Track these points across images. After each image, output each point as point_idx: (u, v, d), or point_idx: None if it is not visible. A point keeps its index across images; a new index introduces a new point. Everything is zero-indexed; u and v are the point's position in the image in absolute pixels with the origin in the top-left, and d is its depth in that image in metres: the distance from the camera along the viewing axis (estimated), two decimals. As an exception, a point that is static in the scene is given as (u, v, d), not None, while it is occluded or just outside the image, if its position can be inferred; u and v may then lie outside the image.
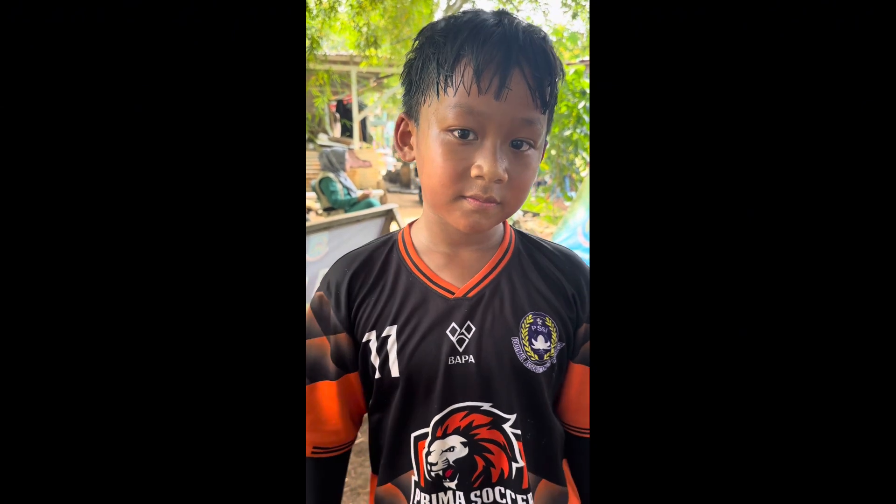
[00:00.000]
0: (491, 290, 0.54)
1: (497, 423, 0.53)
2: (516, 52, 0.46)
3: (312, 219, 3.94)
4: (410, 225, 0.60)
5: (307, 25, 4.90)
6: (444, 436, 0.53)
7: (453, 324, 0.53)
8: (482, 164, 0.46)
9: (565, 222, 5.04)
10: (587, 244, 4.34)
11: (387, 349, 0.53)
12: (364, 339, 0.54)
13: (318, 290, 0.58)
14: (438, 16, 7.57)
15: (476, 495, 0.54)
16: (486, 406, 0.53)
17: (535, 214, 6.70)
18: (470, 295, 0.54)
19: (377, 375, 0.54)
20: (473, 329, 0.53)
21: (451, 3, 7.63)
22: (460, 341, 0.52)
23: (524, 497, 0.54)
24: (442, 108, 0.47)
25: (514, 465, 0.54)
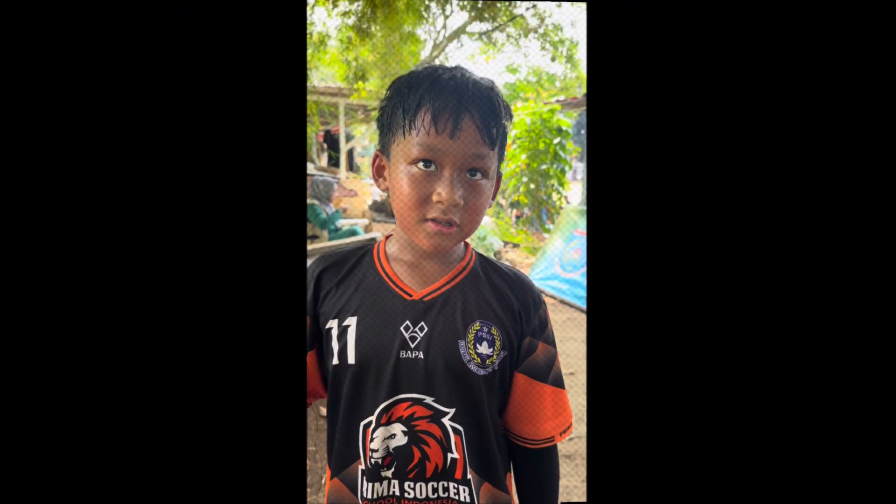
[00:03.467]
0: (444, 297, 0.62)
1: (437, 416, 0.59)
2: (466, 99, 0.55)
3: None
4: (387, 237, 0.68)
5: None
6: (388, 423, 0.59)
7: (407, 321, 0.60)
8: (441, 191, 0.55)
9: (544, 253, 5.19)
10: (564, 274, 4.49)
11: (346, 337, 0.59)
12: (327, 327, 0.61)
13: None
14: (426, 53, 7.86)
15: (410, 486, 0.59)
16: (428, 399, 0.59)
17: (516, 245, 6.85)
18: (426, 299, 0.61)
19: (335, 361, 0.60)
20: (426, 329, 0.59)
21: (437, 42, 7.95)
22: (412, 338, 0.59)
23: (463, 487, 0.60)
24: (407, 145, 0.56)
25: (450, 456, 0.60)
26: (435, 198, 0.56)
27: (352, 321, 0.59)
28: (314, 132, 8.87)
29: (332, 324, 0.60)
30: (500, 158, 0.61)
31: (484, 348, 0.59)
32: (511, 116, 0.61)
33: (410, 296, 0.61)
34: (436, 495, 0.60)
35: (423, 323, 0.60)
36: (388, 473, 0.60)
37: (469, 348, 0.59)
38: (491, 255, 6.10)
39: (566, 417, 0.65)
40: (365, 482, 0.60)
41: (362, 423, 0.60)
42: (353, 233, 3.94)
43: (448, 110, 0.55)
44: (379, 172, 0.63)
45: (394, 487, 0.60)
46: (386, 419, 0.59)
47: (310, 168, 9.00)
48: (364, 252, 0.67)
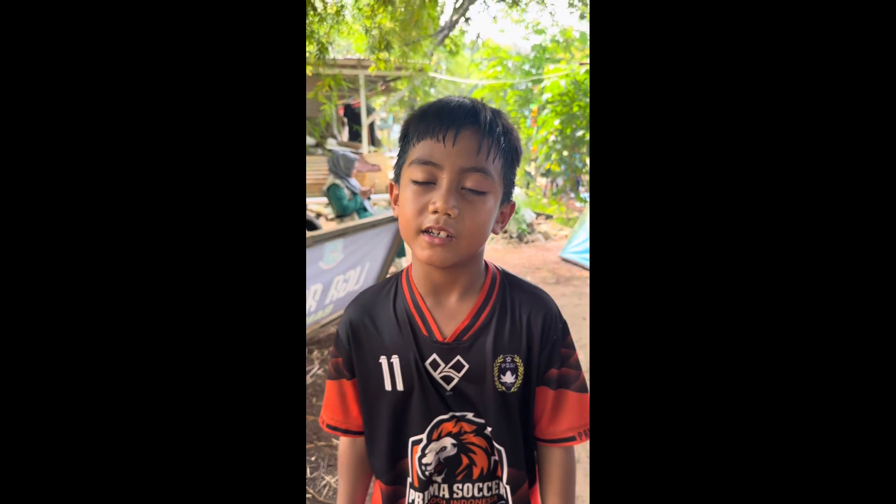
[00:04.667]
0: (473, 339, 0.69)
1: (480, 429, 0.69)
2: (465, 116, 0.62)
3: (325, 225, 3.88)
4: (405, 275, 0.74)
5: (315, 31, 4.85)
6: (439, 438, 0.69)
7: (442, 362, 0.68)
8: (436, 200, 0.60)
9: (581, 224, 4.96)
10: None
11: (394, 370, 0.69)
12: (378, 361, 0.70)
13: (341, 327, 0.74)
14: (445, 18, 7.52)
15: (458, 488, 0.70)
16: (469, 415, 0.69)
17: (549, 217, 6.61)
18: (452, 340, 0.69)
19: (388, 388, 0.70)
20: (457, 365, 0.68)
21: (456, 6, 7.58)
22: (447, 378, 0.68)
23: (503, 483, 0.70)
24: (410, 168, 0.63)
25: (493, 459, 0.70)
26: (431, 207, 0.60)
27: (395, 359, 0.69)
28: (334, 107, 8.67)
29: (383, 360, 0.70)
30: (506, 189, 0.67)
31: (507, 377, 0.68)
32: (518, 154, 0.67)
33: (441, 338, 0.68)
34: (481, 494, 0.70)
35: (454, 361, 0.68)
36: (439, 479, 0.70)
37: (494, 379, 0.67)
38: (523, 228, 5.96)
39: (588, 418, 0.71)
40: (413, 492, 0.70)
41: (411, 440, 0.70)
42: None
43: (450, 123, 0.61)
44: (395, 201, 0.69)
45: (443, 490, 0.70)
46: (437, 435, 0.69)
47: (332, 143, 8.88)
48: (393, 284, 0.74)
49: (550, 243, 5.81)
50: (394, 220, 3.08)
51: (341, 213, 3.81)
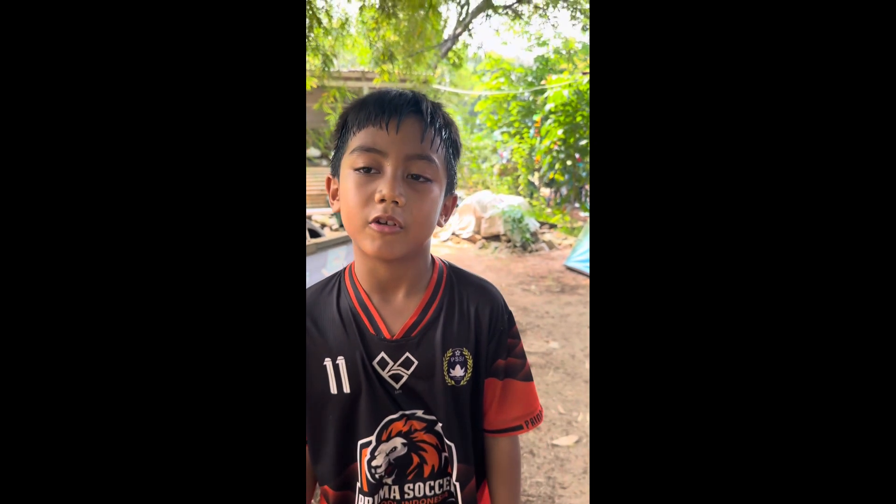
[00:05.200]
0: (421, 335, 0.67)
1: (430, 426, 0.67)
2: (407, 105, 0.61)
3: (329, 235, 3.90)
4: (349, 272, 0.71)
5: (321, 44, 4.94)
6: (389, 438, 0.67)
7: (390, 360, 0.66)
8: (382, 188, 0.58)
9: (585, 233, 4.95)
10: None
11: (340, 372, 0.67)
12: (323, 363, 0.67)
13: None
14: (449, 31, 7.63)
15: (409, 488, 0.68)
16: (419, 413, 0.67)
17: (553, 226, 6.61)
18: (400, 337, 0.67)
19: (333, 391, 0.67)
20: (406, 362, 0.67)
21: (459, 19, 7.67)
22: (396, 376, 0.66)
23: (455, 481, 0.69)
24: (352, 156, 0.61)
25: (443, 455, 0.69)
26: (377, 196, 0.58)
27: (341, 361, 0.66)
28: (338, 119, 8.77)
29: (327, 362, 0.67)
30: (449, 181, 0.66)
31: (457, 371, 0.67)
32: (458, 148, 0.68)
33: (389, 335, 0.66)
34: (432, 492, 0.69)
35: (403, 358, 0.66)
36: (389, 480, 0.68)
37: (444, 374, 0.66)
38: (528, 237, 5.96)
39: (534, 406, 0.72)
40: (362, 498, 0.67)
41: (360, 443, 0.67)
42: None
43: (390, 110, 0.60)
44: (334, 195, 0.68)
45: (394, 492, 0.68)
46: (386, 436, 0.67)
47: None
48: (336, 283, 0.72)
49: (555, 252, 5.80)
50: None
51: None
